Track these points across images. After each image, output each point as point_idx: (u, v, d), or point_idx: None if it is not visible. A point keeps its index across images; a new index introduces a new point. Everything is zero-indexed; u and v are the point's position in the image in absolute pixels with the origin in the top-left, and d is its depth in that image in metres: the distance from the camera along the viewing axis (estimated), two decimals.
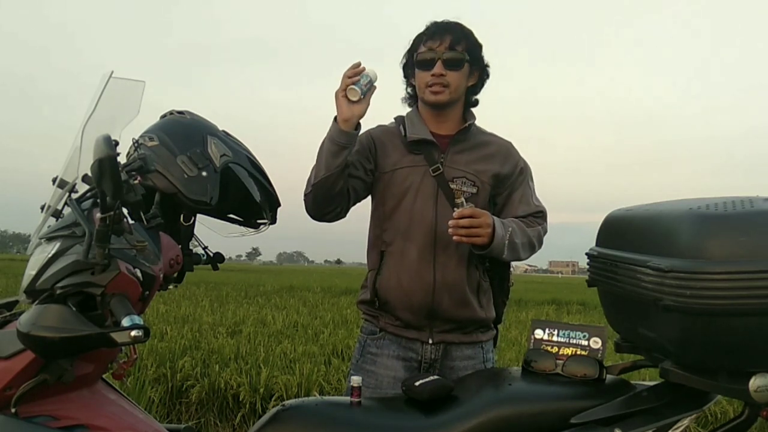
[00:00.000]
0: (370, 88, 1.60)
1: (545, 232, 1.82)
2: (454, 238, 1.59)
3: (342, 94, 1.59)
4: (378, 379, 1.70)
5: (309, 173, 1.70)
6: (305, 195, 1.71)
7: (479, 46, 1.76)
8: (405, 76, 1.84)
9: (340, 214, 1.74)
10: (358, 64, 1.59)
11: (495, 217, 1.65)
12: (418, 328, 1.72)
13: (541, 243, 1.80)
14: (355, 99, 1.58)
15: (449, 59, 1.70)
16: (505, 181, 1.79)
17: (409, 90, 1.86)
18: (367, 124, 1.83)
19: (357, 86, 1.57)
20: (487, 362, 1.78)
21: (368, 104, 1.62)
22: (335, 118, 1.62)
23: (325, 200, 1.68)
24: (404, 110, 1.87)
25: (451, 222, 1.59)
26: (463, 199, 1.62)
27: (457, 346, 1.74)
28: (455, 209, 1.60)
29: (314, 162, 1.67)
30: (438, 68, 1.70)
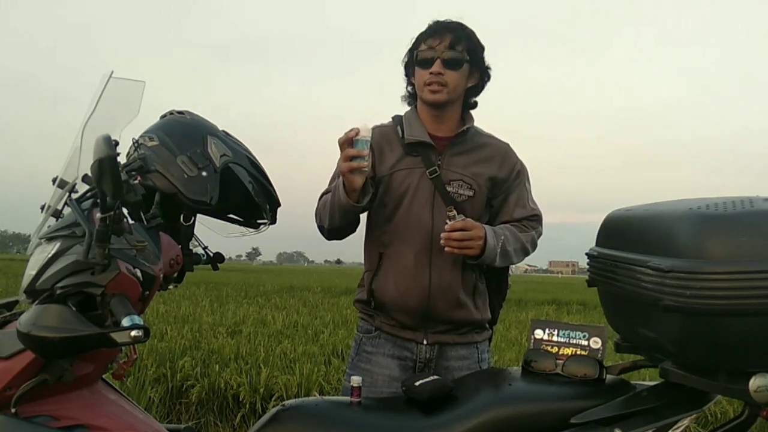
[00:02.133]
0: (369, 148, 1.53)
1: (539, 235, 1.82)
2: (446, 249, 1.60)
3: (348, 172, 1.54)
4: (373, 378, 1.70)
5: (321, 206, 1.75)
6: (320, 227, 1.78)
7: (481, 48, 1.75)
8: (406, 75, 1.83)
9: (353, 233, 1.80)
10: (352, 133, 1.51)
11: (487, 227, 1.66)
12: (414, 329, 1.72)
13: (534, 247, 1.81)
14: (365, 170, 1.54)
15: (448, 58, 1.69)
16: (502, 184, 1.79)
17: (409, 89, 1.85)
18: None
19: (363, 160, 1.51)
20: (482, 362, 1.78)
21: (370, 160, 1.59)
22: (344, 185, 1.59)
23: (343, 232, 1.76)
24: (403, 108, 1.86)
25: (443, 234, 1.60)
26: (455, 212, 1.63)
27: (452, 346, 1.74)
28: (447, 221, 1.61)
29: (324, 202, 1.72)
30: (437, 67, 1.69)
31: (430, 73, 1.70)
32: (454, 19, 1.73)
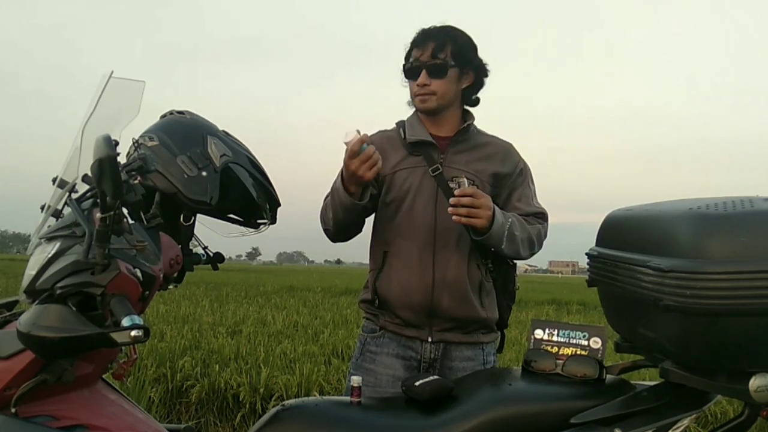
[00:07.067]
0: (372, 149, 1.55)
1: (545, 233, 1.80)
2: (454, 218, 1.57)
3: (358, 168, 1.54)
4: (377, 378, 1.70)
5: (324, 208, 1.76)
6: (325, 230, 1.79)
7: (470, 47, 1.76)
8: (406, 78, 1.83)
9: (359, 233, 1.83)
10: (356, 142, 1.53)
11: (496, 206, 1.64)
12: (418, 327, 1.72)
13: (541, 243, 1.78)
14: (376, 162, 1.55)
15: (432, 68, 1.71)
16: (505, 180, 1.79)
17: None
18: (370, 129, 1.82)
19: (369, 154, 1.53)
20: (487, 364, 1.77)
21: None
22: (342, 179, 1.62)
23: (348, 231, 1.79)
24: (407, 113, 1.87)
25: (452, 200, 1.58)
26: (464, 179, 1.60)
27: (457, 345, 1.73)
28: (456, 188, 1.59)
29: (329, 199, 1.73)
30: (422, 78, 1.72)
31: (417, 85, 1.73)
32: (438, 24, 1.75)
